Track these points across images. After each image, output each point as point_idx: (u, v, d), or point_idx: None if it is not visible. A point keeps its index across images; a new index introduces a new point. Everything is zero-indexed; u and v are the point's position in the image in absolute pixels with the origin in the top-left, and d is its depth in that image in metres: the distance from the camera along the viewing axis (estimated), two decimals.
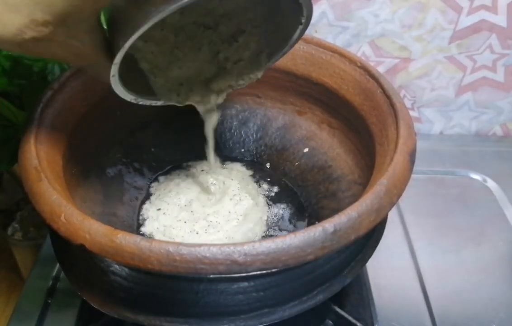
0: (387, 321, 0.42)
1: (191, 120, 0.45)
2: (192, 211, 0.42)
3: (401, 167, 0.32)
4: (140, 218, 0.43)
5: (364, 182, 0.40)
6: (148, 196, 0.45)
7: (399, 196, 0.32)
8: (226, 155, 0.49)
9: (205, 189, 0.44)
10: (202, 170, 0.47)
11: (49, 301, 0.44)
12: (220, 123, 0.49)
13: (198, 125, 0.48)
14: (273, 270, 0.28)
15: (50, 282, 0.46)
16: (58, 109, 0.37)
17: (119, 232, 0.27)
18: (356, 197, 0.40)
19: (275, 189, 0.46)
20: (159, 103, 0.39)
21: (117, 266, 0.32)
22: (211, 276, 0.29)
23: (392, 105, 0.37)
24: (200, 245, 0.27)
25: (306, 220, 0.43)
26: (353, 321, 0.40)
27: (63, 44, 0.28)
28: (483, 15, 0.56)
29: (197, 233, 0.40)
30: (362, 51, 0.59)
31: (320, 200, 0.44)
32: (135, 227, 0.42)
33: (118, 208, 0.42)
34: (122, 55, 0.30)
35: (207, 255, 0.27)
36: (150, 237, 0.40)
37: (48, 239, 0.49)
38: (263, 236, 0.41)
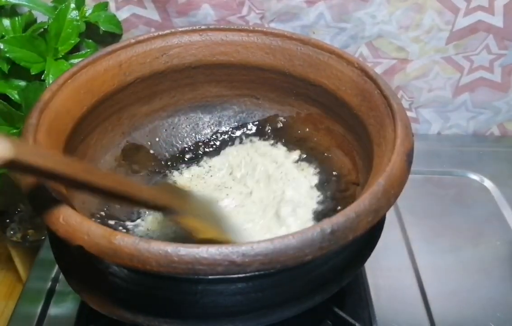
0: (386, 321, 0.43)
1: (191, 120, 0.45)
2: None
3: (399, 167, 0.32)
4: (140, 221, 0.43)
5: (362, 183, 0.40)
6: None
7: (396, 196, 0.32)
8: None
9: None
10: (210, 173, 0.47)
11: (48, 302, 0.44)
12: (218, 125, 0.50)
13: (197, 125, 0.48)
14: (272, 270, 0.28)
15: (49, 284, 0.46)
16: (56, 111, 0.37)
17: (117, 233, 0.28)
18: (354, 198, 0.40)
19: None
20: None
21: (115, 267, 0.32)
22: (210, 276, 0.29)
23: (389, 106, 0.37)
24: (198, 246, 0.27)
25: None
26: (352, 321, 0.40)
27: None
28: (480, 16, 0.56)
29: None
30: (359, 52, 0.59)
31: None
32: (134, 229, 0.42)
33: (117, 210, 0.42)
34: None
35: (205, 255, 0.27)
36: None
37: (47, 240, 0.49)
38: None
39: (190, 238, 0.34)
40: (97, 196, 0.37)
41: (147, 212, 0.43)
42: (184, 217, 0.35)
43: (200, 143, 0.49)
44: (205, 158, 0.48)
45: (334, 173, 0.44)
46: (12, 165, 0.23)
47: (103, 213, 0.41)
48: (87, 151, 0.42)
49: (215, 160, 0.48)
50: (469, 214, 0.54)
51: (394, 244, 0.50)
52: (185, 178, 0.47)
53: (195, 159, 0.48)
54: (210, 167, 0.48)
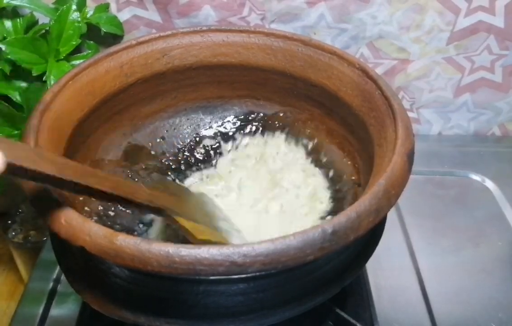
0: (387, 322, 0.43)
1: (192, 120, 0.45)
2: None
3: (399, 167, 0.32)
4: (142, 220, 0.43)
5: (363, 183, 0.40)
6: None
7: (397, 196, 0.32)
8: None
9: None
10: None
11: (50, 303, 0.44)
12: (219, 125, 0.50)
13: (199, 126, 0.48)
14: (273, 271, 0.28)
15: (51, 285, 0.46)
16: (57, 112, 0.38)
17: (119, 233, 0.28)
18: (355, 198, 0.40)
19: None
20: None
21: (117, 268, 0.32)
22: (211, 277, 0.29)
23: (390, 106, 0.37)
24: (199, 247, 0.27)
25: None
26: (353, 321, 0.40)
27: None
28: (481, 16, 0.56)
29: None
30: (360, 53, 0.59)
31: None
32: (138, 229, 0.42)
33: (118, 211, 0.42)
34: None
35: (206, 256, 0.27)
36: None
37: (49, 241, 0.49)
38: None
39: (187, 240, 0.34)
40: (95, 199, 0.36)
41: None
42: (180, 219, 0.35)
43: (201, 144, 0.49)
44: (206, 158, 0.48)
45: (335, 174, 0.44)
46: (9, 170, 0.23)
47: (104, 214, 0.41)
48: (89, 152, 0.42)
49: (216, 161, 0.48)
50: (470, 214, 0.54)
51: (395, 244, 0.50)
52: (186, 178, 0.47)
53: (197, 159, 0.48)
54: (211, 167, 0.48)
